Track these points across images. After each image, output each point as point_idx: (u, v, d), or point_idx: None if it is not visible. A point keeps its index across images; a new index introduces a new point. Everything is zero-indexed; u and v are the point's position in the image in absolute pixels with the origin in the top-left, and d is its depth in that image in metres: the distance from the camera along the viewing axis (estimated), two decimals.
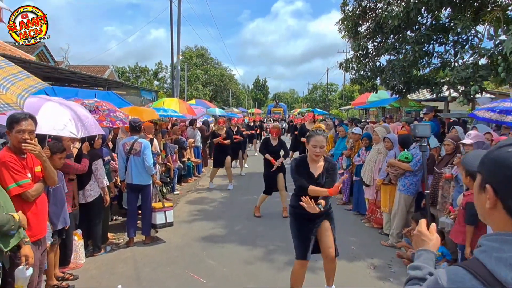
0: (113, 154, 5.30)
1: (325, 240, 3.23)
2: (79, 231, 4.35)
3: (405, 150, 5.00)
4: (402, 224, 4.82)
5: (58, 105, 3.66)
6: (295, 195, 3.29)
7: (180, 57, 14.47)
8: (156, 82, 43.59)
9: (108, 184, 4.65)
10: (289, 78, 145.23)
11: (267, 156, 6.25)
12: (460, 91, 7.65)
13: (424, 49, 9.31)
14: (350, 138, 7.16)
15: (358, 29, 11.55)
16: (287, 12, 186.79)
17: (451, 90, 10.35)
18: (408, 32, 9.67)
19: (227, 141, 8.39)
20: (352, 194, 7.28)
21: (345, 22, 11.53)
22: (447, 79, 7.35)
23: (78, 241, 4.26)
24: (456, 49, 8.95)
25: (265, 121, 26.24)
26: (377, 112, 13.93)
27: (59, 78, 12.36)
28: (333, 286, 3.45)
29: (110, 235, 5.20)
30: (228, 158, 8.52)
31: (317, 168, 3.20)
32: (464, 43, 8.70)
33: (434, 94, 10.27)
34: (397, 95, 11.06)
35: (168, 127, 9.05)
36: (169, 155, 7.78)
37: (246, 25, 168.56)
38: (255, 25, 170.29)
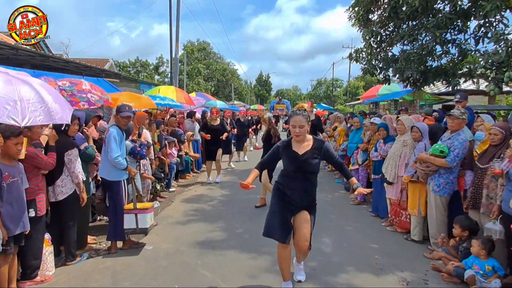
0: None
1: (301, 232, 3.12)
2: (47, 236, 3.59)
3: (438, 142, 4.22)
4: (441, 231, 4.02)
5: (3, 80, 2.85)
6: (281, 174, 3.28)
7: (181, 51, 13.67)
8: (157, 77, 42.82)
9: (84, 179, 3.87)
10: (292, 75, 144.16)
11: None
12: (490, 78, 6.85)
13: (444, 35, 8.46)
14: (367, 130, 6.37)
15: (370, 16, 10.79)
16: (291, 7, 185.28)
17: (474, 80, 9.52)
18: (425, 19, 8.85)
19: (207, 136, 7.81)
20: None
21: (356, 9, 10.76)
22: (477, 65, 6.56)
23: (46, 248, 3.50)
24: (476, 37, 8.13)
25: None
26: (389, 105, 13.09)
27: (53, 68, 11.59)
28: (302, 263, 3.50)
29: (90, 238, 4.45)
30: (220, 150, 7.99)
31: (302, 147, 3.12)
32: (487, 30, 7.85)
33: (450, 87, 9.49)
34: (412, 87, 10.27)
35: (166, 118, 8.27)
36: (164, 147, 7.02)
37: (249, 20, 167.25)
38: (258, 21, 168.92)
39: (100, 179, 4.56)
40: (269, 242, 4.30)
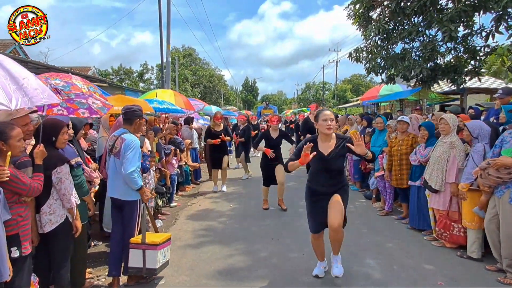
0: (85, 154, 3.69)
1: (331, 212, 3.18)
2: (33, 278, 2.77)
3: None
4: None
5: None
6: (310, 172, 3.49)
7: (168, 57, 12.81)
8: (141, 84, 41.64)
9: (78, 202, 3.06)
10: (277, 80, 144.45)
11: (260, 147, 6.03)
12: None
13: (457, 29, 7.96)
14: (391, 132, 5.73)
15: (371, 13, 10.32)
16: (274, 13, 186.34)
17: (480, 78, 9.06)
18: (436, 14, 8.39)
19: (217, 141, 7.20)
20: (397, 200, 5.87)
21: (357, 6, 10.26)
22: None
23: None
24: (487, 32, 7.68)
25: (259, 121, 25.00)
26: (394, 106, 12.58)
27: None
28: (339, 254, 3.42)
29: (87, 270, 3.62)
30: (225, 158, 7.45)
31: (327, 147, 3.26)
32: (504, 22, 7.40)
33: (454, 86, 9.06)
34: (420, 86, 9.80)
35: (162, 125, 7.45)
36: (163, 158, 6.21)
37: (232, 27, 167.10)
38: (241, 27, 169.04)
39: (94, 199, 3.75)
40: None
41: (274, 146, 6.03)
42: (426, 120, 5.65)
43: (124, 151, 3.28)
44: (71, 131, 3.64)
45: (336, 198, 3.22)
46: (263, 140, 6.15)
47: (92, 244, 4.49)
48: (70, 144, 3.49)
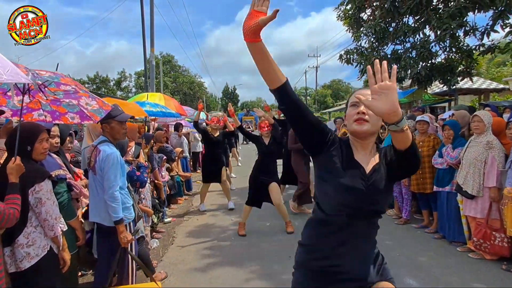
0: (72, 167, 2.99)
1: None
2: None
3: None
4: None
5: None
6: (313, 225, 1.57)
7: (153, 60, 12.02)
8: (119, 92, 40.28)
9: (64, 228, 2.39)
10: (256, 87, 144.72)
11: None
12: None
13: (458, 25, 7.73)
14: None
15: (361, 14, 10.09)
16: None
17: (472, 78, 8.88)
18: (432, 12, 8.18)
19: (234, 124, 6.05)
20: (413, 207, 5.44)
21: (348, 7, 10.01)
22: None
23: None
24: (482, 31, 7.52)
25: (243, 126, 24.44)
26: None
27: None
28: None
29: None
30: (223, 170, 6.40)
31: (367, 159, 1.47)
32: (504, 19, 7.23)
33: (446, 87, 8.93)
34: (416, 86, 9.59)
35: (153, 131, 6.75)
36: (156, 168, 5.53)
37: (209, 34, 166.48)
38: (219, 34, 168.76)
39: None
40: None
41: (267, 154, 4.98)
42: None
43: (100, 166, 2.61)
44: (55, 140, 2.97)
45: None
46: (252, 138, 5.20)
47: (80, 274, 3.76)
48: (53, 154, 2.82)
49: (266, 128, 5.07)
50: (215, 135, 6.27)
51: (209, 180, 6.36)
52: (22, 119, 2.33)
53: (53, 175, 2.59)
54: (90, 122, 2.86)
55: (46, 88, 2.57)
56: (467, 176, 3.86)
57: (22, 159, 2.17)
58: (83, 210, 3.07)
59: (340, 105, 25.91)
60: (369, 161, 1.47)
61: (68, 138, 3.60)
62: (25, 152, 2.27)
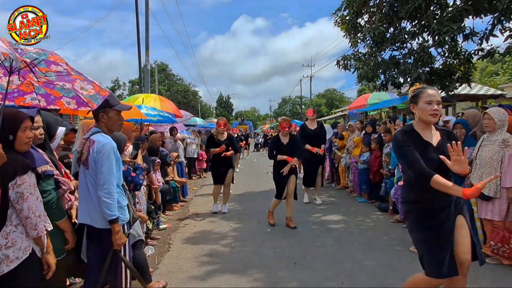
0: (58, 162, 2.70)
1: (460, 244, 2.25)
2: None
3: None
4: None
5: None
6: (412, 185, 2.38)
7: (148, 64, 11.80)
8: None
9: (49, 228, 2.11)
10: (249, 97, 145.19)
11: (280, 156, 5.33)
12: None
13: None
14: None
15: (359, 20, 10.03)
16: (246, 30, 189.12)
17: (470, 84, 8.81)
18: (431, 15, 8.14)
19: (231, 152, 6.21)
20: None
21: (345, 12, 9.93)
22: None
23: None
24: (480, 36, 7.47)
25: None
26: (386, 114, 12.23)
27: None
28: None
29: None
30: (230, 172, 6.33)
31: (433, 137, 2.34)
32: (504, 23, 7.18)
33: (444, 92, 8.85)
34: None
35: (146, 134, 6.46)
36: (151, 172, 5.26)
37: (204, 44, 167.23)
38: (214, 44, 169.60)
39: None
40: None
41: (285, 152, 5.36)
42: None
43: (93, 158, 2.34)
44: (40, 131, 2.69)
45: (460, 221, 2.28)
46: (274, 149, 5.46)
47: (68, 283, 3.45)
48: (38, 149, 2.54)
49: (287, 128, 5.47)
50: (222, 139, 6.14)
51: (220, 182, 6.34)
52: (4, 103, 2.07)
53: (40, 171, 2.33)
54: (85, 108, 2.57)
55: (35, 68, 2.32)
56: (483, 176, 3.65)
57: (3, 148, 1.91)
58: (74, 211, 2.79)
59: (335, 113, 25.90)
60: (434, 135, 2.34)
61: (69, 134, 3.42)
62: (6, 142, 2.01)
